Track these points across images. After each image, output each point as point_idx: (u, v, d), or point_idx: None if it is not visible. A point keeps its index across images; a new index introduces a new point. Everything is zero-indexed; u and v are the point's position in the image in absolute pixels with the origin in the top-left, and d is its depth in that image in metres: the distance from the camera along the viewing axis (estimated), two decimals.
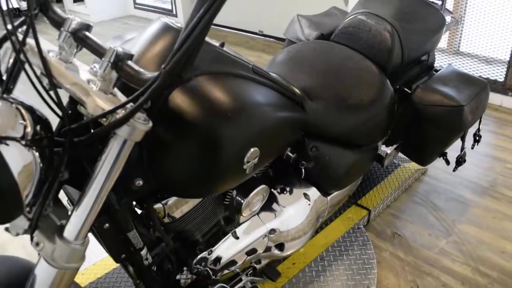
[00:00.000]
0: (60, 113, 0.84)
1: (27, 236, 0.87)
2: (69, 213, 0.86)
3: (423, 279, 1.75)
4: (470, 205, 2.17)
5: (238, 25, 4.89)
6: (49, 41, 0.93)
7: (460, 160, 1.91)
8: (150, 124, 0.78)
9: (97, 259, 1.78)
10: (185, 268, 1.32)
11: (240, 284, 1.42)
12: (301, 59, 1.55)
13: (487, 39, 3.21)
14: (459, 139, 1.85)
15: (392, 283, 1.73)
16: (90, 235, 1.08)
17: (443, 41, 3.42)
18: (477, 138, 1.99)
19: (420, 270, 1.79)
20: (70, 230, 0.84)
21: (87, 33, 0.85)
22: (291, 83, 1.34)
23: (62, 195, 1.01)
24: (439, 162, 2.02)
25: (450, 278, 1.76)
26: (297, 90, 1.32)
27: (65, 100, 0.88)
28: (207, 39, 1.02)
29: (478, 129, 1.97)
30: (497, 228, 2.02)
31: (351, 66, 1.55)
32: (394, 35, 1.62)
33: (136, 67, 0.79)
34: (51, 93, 0.82)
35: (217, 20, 5.03)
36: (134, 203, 1.16)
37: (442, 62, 3.39)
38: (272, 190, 1.40)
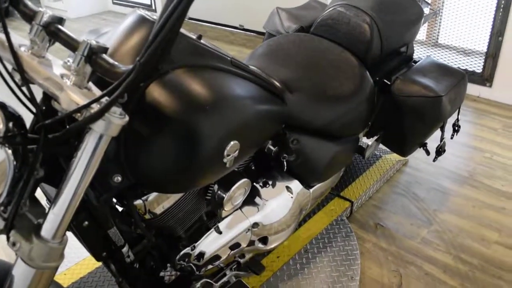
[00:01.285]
0: (33, 109, 0.82)
1: (4, 237, 0.84)
2: (46, 211, 0.84)
3: (406, 269, 1.77)
4: (451, 194, 2.20)
5: (218, 20, 4.86)
6: (23, 38, 0.90)
7: (440, 150, 1.94)
8: (127, 118, 0.77)
9: (79, 259, 1.75)
10: (168, 265, 1.31)
11: (225, 279, 1.42)
12: (280, 52, 1.54)
13: (465, 30, 3.25)
14: (439, 129, 1.87)
15: (375, 273, 1.75)
16: (70, 234, 1.07)
17: (422, 33, 3.46)
18: (456, 128, 2.01)
19: (403, 259, 1.81)
20: (47, 228, 0.82)
21: (59, 26, 0.83)
22: (271, 76, 1.33)
23: (41, 195, 0.99)
24: (419, 153, 2.05)
25: (432, 267, 1.78)
26: (277, 83, 1.31)
27: (39, 96, 0.86)
28: (184, 31, 1.01)
29: (457, 119, 2.00)
30: (477, 216, 2.05)
31: (330, 58, 1.55)
32: (373, 27, 1.63)
33: (111, 60, 0.77)
34: (24, 89, 0.80)
35: (197, 14, 5.00)
36: (114, 200, 1.14)
37: (421, 54, 3.43)
38: (255, 184, 1.40)
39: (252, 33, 4.58)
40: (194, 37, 1.02)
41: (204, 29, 4.80)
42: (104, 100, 0.74)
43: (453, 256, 1.83)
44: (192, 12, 5.04)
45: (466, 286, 1.69)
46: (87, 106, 0.73)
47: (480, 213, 2.07)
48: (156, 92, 0.90)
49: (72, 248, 1.76)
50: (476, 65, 3.18)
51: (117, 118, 0.75)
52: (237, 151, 1.01)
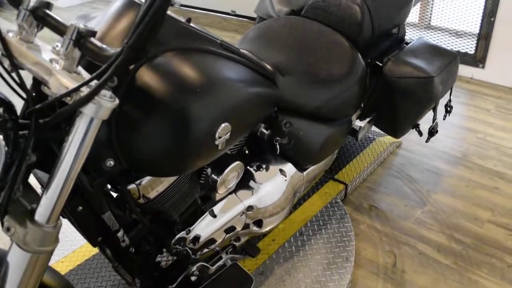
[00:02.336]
0: (24, 94, 0.82)
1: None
2: (40, 196, 0.85)
3: (400, 249, 1.79)
4: (444, 175, 2.22)
5: (210, 6, 4.82)
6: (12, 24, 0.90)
7: (433, 131, 1.95)
8: (117, 101, 0.77)
9: (76, 246, 1.77)
10: (164, 249, 1.33)
11: (220, 262, 1.43)
12: (272, 36, 1.54)
13: (457, 12, 3.25)
14: (431, 110, 1.88)
15: (370, 254, 1.77)
16: (66, 221, 1.07)
17: (414, 16, 3.45)
18: (449, 109, 2.02)
19: (397, 240, 1.84)
20: (41, 213, 0.82)
21: (47, 10, 0.83)
22: (262, 59, 1.33)
23: (35, 182, 1.00)
24: (412, 135, 2.06)
25: (426, 246, 1.81)
26: (268, 66, 1.31)
27: (29, 82, 0.86)
28: (173, 15, 1.01)
29: (449, 100, 2.01)
30: (470, 196, 2.07)
31: (322, 40, 1.55)
32: (364, 9, 1.63)
33: (99, 44, 0.77)
34: (13, 74, 0.79)
35: (189, 1, 4.95)
36: (109, 186, 1.15)
37: (413, 36, 3.42)
38: (248, 167, 1.40)
39: (244, 19, 4.55)
40: (183, 20, 1.01)
41: (196, 16, 4.77)
42: (94, 83, 0.74)
43: (447, 236, 1.86)
44: None
45: (460, 265, 1.72)
46: (76, 89, 0.74)
47: (473, 193, 2.10)
48: (146, 76, 0.90)
49: (69, 236, 1.78)
50: (468, 46, 3.18)
51: (107, 101, 0.75)
52: (228, 133, 1.02)
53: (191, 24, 1.03)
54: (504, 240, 1.83)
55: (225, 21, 4.61)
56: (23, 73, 0.83)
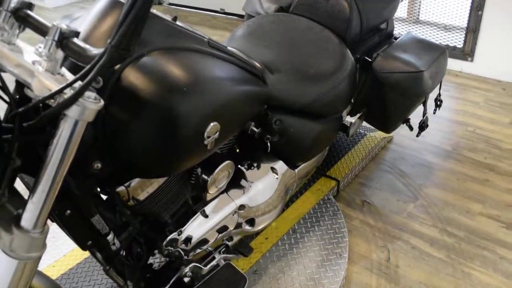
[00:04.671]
0: (6, 98, 0.81)
1: None
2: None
3: (394, 243, 1.80)
4: (435, 168, 2.22)
5: (199, 4, 4.79)
6: None
7: (423, 125, 1.95)
8: (102, 103, 0.75)
9: (68, 250, 1.74)
10: (156, 251, 1.31)
11: (214, 262, 1.42)
12: (260, 33, 1.53)
13: (446, 6, 3.26)
14: (421, 105, 1.88)
15: (363, 250, 1.77)
16: (55, 225, 1.05)
17: (403, 11, 3.46)
18: (438, 103, 2.03)
19: (390, 235, 1.84)
20: (28, 218, 0.81)
21: (28, 11, 0.81)
22: (251, 57, 1.32)
23: (23, 188, 0.98)
24: (404, 129, 2.06)
25: (419, 240, 1.81)
26: (257, 64, 1.30)
27: (12, 84, 0.84)
28: (159, 13, 0.99)
29: (439, 94, 2.01)
30: (462, 189, 2.08)
31: (310, 37, 1.54)
32: (352, 4, 1.62)
33: (82, 44, 0.75)
34: None
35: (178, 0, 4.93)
36: (98, 189, 1.13)
37: (402, 31, 3.43)
38: (239, 166, 1.39)
39: (233, 17, 4.53)
40: (169, 19, 1.00)
41: (186, 14, 4.74)
42: (78, 85, 0.73)
43: (439, 229, 1.86)
44: None
45: (453, 258, 1.72)
46: (60, 91, 0.72)
47: (464, 186, 2.10)
48: (132, 76, 0.89)
49: (60, 239, 1.75)
50: (457, 40, 3.19)
51: (91, 103, 0.73)
52: (217, 133, 1.00)
53: (178, 23, 1.01)
54: (495, 232, 1.83)
55: (214, 19, 4.59)
56: (5, 76, 0.82)
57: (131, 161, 0.95)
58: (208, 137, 0.98)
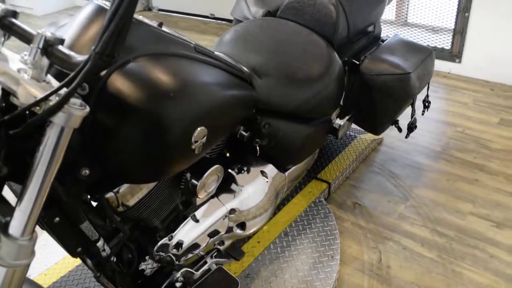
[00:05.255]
0: None
1: None
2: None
3: (385, 244, 1.81)
4: (425, 169, 2.24)
5: (189, 10, 4.80)
6: None
7: (412, 127, 1.97)
8: (87, 109, 0.76)
9: (59, 258, 1.74)
10: (147, 257, 1.31)
11: (205, 267, 1.42)
12: (248, 37, 1.54)
13: (433, 8, 3.29)
14: (409, 106, 1.90)
15: (355, 251, 1.78)
16: (46, 233, 1.05)
17: (391, 13, 3.49)
18: (427, 104, 2.05)
19: (382, 236, 1.85)
20: (15, 226, 0.80)
21: (13, 19, 0.81)
22: (238, 62, 1.33)
23: (10, 195, 0.98)
24: (393, 131, 2.08)
25: (410, 241, 1.82)
26: (244, 68, 1.31)
27: None
28: (143, 19, 1.00)
29: (427, 95, 2.03)
30: (451, 189, 2.10)
31: (298, 41, 1.55)
32: (339, 8, 1.64)
33: (67, 51, 0.76)
34: None
35: (167, 5, 4.93)
36: (88, 196, 1.13)
37: (391, 33, 3.46)
38: (229, 170, 1.40)
39: (223, 22, 4.54)
40: (155, 25, 1.00)
41: (175, 20, 4.75)
42: (63, 91, 0.73)
43: (430, 230, 1.87)
44: (162, 3, 4.97)
45: (444, 258, 1.74)
46: (45, 99, 0.72)
47: (454, 186, 2.12)
48: (118, 82, 0.89)
49: (51, 248, 1.74)
50: (445, 42, 3.22)
51: (77, 109, 0.74)
52: (205, 137, 1.01)
53: (163, 29, 1.02)
54: (485, 231, 1.85)
55: (204, 24, 4.60)
56: None
57: (119, 166, 0.95)
58: (196, 141, 0.99)
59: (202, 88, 1.01)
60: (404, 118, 1.94)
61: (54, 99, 0.73)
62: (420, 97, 1.94)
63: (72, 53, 0.76)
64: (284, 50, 1.50)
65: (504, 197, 2.03)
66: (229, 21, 4.45)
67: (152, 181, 1.08)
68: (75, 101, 0.74)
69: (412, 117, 1.95)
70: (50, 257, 1.73)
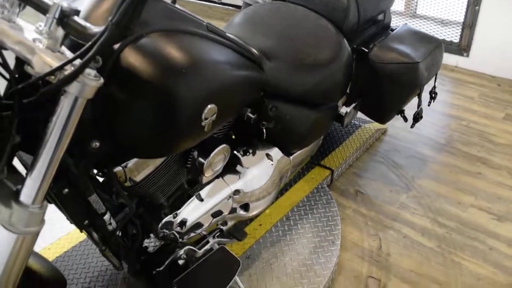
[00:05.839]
0: (6, 74, 0.82)
1: None
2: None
3: (385, 232, 1.82)
4: (428, 161, 2.25)
5: None
6: None
7: (417, 117, 1.97)
8: (102, 80, 0.77)
9: (63, 233, 1.76)
10: (151, 234, 1.33)
11: (208, 246, 1.44)
12: (258, 20, 1.54)
13: (443, 1, 3.27)
14: (416, 96, 1.90)
15: (356, 238, 1.79)
16: (52, 208, 1.06)
17: (400, 4, 3.47)
18: (433, 95, 2.05)
19: (382, 224, 1.86)
20: (26, 193, 0.82)
21: None
22: (248, 43, 1.33)
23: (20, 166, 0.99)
24: (398, 122, 2.09)
25: (410, 230, 1.84)
26: (254, 50, 1.31)
27: (12, 62, 0.85)
28: None
29: (434, 87, 2.03)
30: (454, 181, 2.11)
31: (308, 25, 1.55)
32: None
33: (83, 22, 0.76)
34: None
35: None
36: (95, 171, 1.14)
37: (399, 24, 3.43)
38: (235, 152, 1.41)
39: (230, 7, 4.52)
40: (169, 1, 1.01)
41: (182, 4, 4.68)
42: (78, 62, 0.74)
43: (431, 220, 1.89)
44: None
45: (443, 248, 1.75)
46: (60, 68, 0.73)
47: (456, 178, 2.13)
48: (131, 57, 0.90)
49: (56, 223, 1.77)
50: (453, 35, 3.21)
51: (91, 80, 0.75)
52: (215, 115, 1.02)
53: (177, 6, 1.02)
54: (486, 224, 1.86)
55: (211, 9, 4.58)
56: (5, 53, 0.83)
57: (128, 140, 0.96)
58: (206, 118, 1.00)
59: (214, 66, 1.02)
60: (410, 109, 1.94)
61: (69, 69, 0.74)
62: (427, 88, 1.94)
63: (88, 24, 0.76)
64: (293, 34, 1.50)
65: (506, 191, 2.04)
66: (236, 6, 4.44)
67: (161, 156, 1.09)
68: (90, 71, 0.75)
69: (418, 107, 1.95)
70: (54, 233, 1.75)
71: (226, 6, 4.55)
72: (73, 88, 0.74)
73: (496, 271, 1.66)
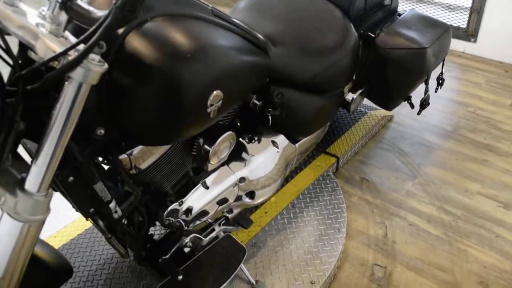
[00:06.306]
0: (10, 61, 0.80)
1: None
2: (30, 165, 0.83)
3: (391, 220, 1.81)
4: (435, 148, 2.23)
5: None
6: None
7: (424, 103, 1.95)
8: (106, 65, 0.75)
9: (69, 221, 1.76)
10: (157, 222, 1.32)
11: (213, 234, 1.44)
12: (263, 5, 1.51)
13: None
14: (423, 83, 1.88)
15: (361, 225, 1.79)
16: (58, 196, 1.06)
17: None
18: (440, 81, 2.02)
19: (388, 211, 1.86)
20: (32, 181, 0.81)
21: None
22: (253, 29, 1.31)
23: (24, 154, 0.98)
24: (404, 109, 2.06)
25: (416, 218, 1.83)
26: (259, 36, 1.29)
27: (15, 48, 0.83)
28: None
29: (441, 73, 2.01)
30: (460, 168, 2.09)
31: (314, 10, 1.53)
32: None
33: (86, 6, 0.75)
34: None
35: None
36: (100, 159, 1.13)
37: (406, 9, 3.39)
38: (241, 139, 1.40)
39: None
40: None
41: None
42: (82, 47, 0.72)
43: (437, 207, 1.88)
44: None
45: (449, 235, 1.75)
46: (64, 53, 0.72)
47: (463, 165, 2.11)
48: (135, 42, 0.88)
49: (60, 211, 1.77)
50: (461, 20, 3.17)
51: (96, 65, 0.73)
52: (220, 101, 1.00)
53: None
54: (492, 212, 1.85)
55: None
56: (8, 39, 0.81)
57: (134, 127, 0.95)
58: (211, 105, 0.98)
59: (219, 51, 1.00)
60: (416, 96, 1.92)
61: (73, 54, 0.72)
62: (434, 74, 1.92)
63: (91, 8, 0.75)
64: (299, 19, 1.48)
65: None
66: None
67: (167, 143, 1.08)
68: (94, 57, 0.73)
69: (425, 93, 1.93)
70: (60, 221, 1.76)
71: None
72: (77, 74, 0.73)
73: (502, 258, 1.65)
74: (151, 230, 1.60)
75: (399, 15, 1.88)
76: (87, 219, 1.17)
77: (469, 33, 3.11)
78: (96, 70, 0.74)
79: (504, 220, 1.81)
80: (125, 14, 0.70)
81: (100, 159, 1.12)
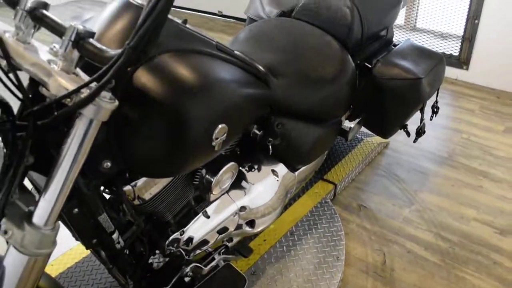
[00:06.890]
0: (21, 96, 0.82)
1: None
2: (36, 199, 0.84)
3: (389, 247, 1.82)
4: (431, 174, 2.26)
5: (197, 6, 4.81)
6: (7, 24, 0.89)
7: (420, 131, 1.98)
8: (116, 103, 0.77)
9: (66, 249, 1.75)
10: (157, 251, 1.32)
11: (214, 263, 1.44)
12: (263, 37, 1.55)
13: (442, 14, 3.31)
14: (419, 111, 1.91)
15: (360, 253, 1.79)
16: (59, 222, 1.06)
17: (400, 18, 3.49)
18: (435, 110, 2.06)
19: (386, 238, 1.86)
20: (39, 215, 0.82)
21: (44, 11, 0.82)
22: (254, 60, 1.34)
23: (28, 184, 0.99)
24: (400, 135, 2.09)
25: (414, 245, 1.84)
26: (260, 67, 1.32)
27: (25, 83, 0.85)
28: (169, 16, 1.01)
29: (436, 101, 2.05)
30: (456, 195, 2.12)
31: (312, 42, 1.56)
32: (354, 11, 1.65)
33: (99, 45, 0.77)
34: (11, 75, 0.79)
35: (175, 1, 4.93)
36: (102, 188, 1.14)
37: (400, 38, 3.47)
38: (241, 168, 1.41)
39: (231, 19, 4.55)
40: (180, 21, 1.02)
41: (183, 16, 4.74)
42: (93, 85, 0.74)
43: (434, 234, 1.89)
44: None
45: (447, 262, 1.75)
46: (77, 91, 0.73)
47: (459, 191, 2.14)
48: (143, 77, 0.90)
49: (58, 239, 1.75)
50: (453, 48, 3.24)
51: (107, 103, 0.75)
52: (225, 134, 1.02)
53: (187, 26, 1.03)
54: (489, 238, 1.87)
55: (212, 21, 4.61)
56: (19, 74, 0.83)
57: (141, 160, 0.96)
58: (216, 138, 1.00)
59: (224, 86, 1.02)
60: (412, 123, 1.95)
61: (85, 91, 0.74)
62: (429, 102, 1.95)
63: (104, 47, 0.77)
64: (298, 50, 1.51)
65: (508, 204, 2.05)
66: (237, 18, 4.47)
67: (172, 175, 1.10)
68: (105, 94, 0.75)
69: (421, 122, 1.96)
70: (57, 248, 1.73)
71: (227, 19, 4.57)
72: (88, 111, 0.75)
73: (500, 285, 1.66)
74: (150, 258, 1.60)
75: (395, 45, 1.93)
76: (87, 249, 1.16)
77: (462, 61, 3.18)
78: (107, 108, 0.75)
79: (500, 246, 1.83)
80: (137, 54, 0.72)
81: (102, 188, 1.13)
